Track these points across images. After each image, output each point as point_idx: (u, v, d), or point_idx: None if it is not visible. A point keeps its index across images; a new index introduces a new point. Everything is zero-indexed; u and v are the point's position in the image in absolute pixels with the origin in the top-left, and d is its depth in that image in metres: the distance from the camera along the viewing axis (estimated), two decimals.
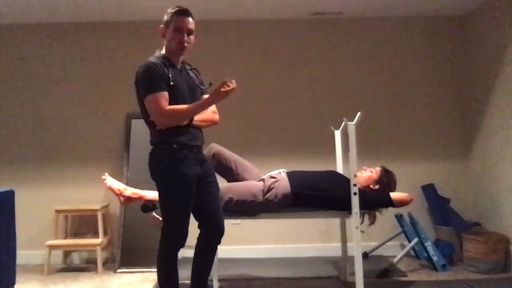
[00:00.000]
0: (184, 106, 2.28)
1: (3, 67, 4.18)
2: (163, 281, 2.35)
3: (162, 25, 2.36)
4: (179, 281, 2.38)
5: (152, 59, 2.30)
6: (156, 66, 2.25)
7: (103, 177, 2.94)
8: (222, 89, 2.21)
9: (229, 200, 2.86)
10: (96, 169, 4.02)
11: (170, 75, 2.28)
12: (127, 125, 4.12)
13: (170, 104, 2.26)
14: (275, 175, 3.06)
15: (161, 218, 2.75)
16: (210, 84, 2.53)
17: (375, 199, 3.03)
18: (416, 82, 4.20)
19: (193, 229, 2.43)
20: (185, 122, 2.31)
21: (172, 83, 2.27)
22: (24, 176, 4.09)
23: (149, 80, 2.24)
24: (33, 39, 4.19)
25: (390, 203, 3.01)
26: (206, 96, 2.40)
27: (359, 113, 2.84)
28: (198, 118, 2.37)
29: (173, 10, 2.34)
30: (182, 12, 2.34)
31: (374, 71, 4.21)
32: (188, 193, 2.30)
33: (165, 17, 2.36)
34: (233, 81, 2.23)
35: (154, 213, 2.85)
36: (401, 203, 3.08)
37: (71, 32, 4.19)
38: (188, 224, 2.33)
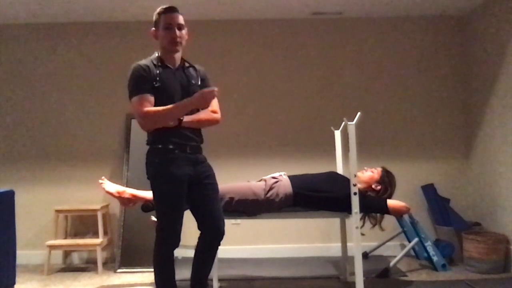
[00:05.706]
0: (162, 108, 2.26)
1: (2, 67, 4.18)
2: (159, 281, 2.36)
3: (152, 28, 2.40)
4: (180, 281, 2.39)
5: (141, 61, 2.33)
6: (140, 68, 2.29)
7: (100, 181, 2.94)
8: (202, 96, 2.27)
9: (230, 200, 2.86)
10: (96, 169, 4.03)
11: (157, 76, 2.28)
12: (127, 125, 4.12)
13: (157, 105, 2.27)
14: (276, 176, 3.06)
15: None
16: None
17: (372, 204, 3.03)
18: (416, 82, 4.19)
19: (194, 229, 2.43)
20: (172, 123, 2.30)
21: (157, 84, 2.28)
22: (24, 176, 4.09)
23: (132, 83, 2.29)
24: (33, 39, 4.18)
25: (386, 210, 3.01)
26: None
27: (359, 113, 2.84)
28: (193, 118, 2.36)
29: (160, 10, 2.38)
30: (169, 10, 2.36)
31: (374, 71, 4.20)
32: (178, 193, 2.30)
33: (154, 19, 2.40)
34: (215, 88, 2.29)
35: (152, 216, 2.86)
36: (398, 212, 3.09)
37: (71, 32, 4.19)
38: (180, 224, 2.32)
